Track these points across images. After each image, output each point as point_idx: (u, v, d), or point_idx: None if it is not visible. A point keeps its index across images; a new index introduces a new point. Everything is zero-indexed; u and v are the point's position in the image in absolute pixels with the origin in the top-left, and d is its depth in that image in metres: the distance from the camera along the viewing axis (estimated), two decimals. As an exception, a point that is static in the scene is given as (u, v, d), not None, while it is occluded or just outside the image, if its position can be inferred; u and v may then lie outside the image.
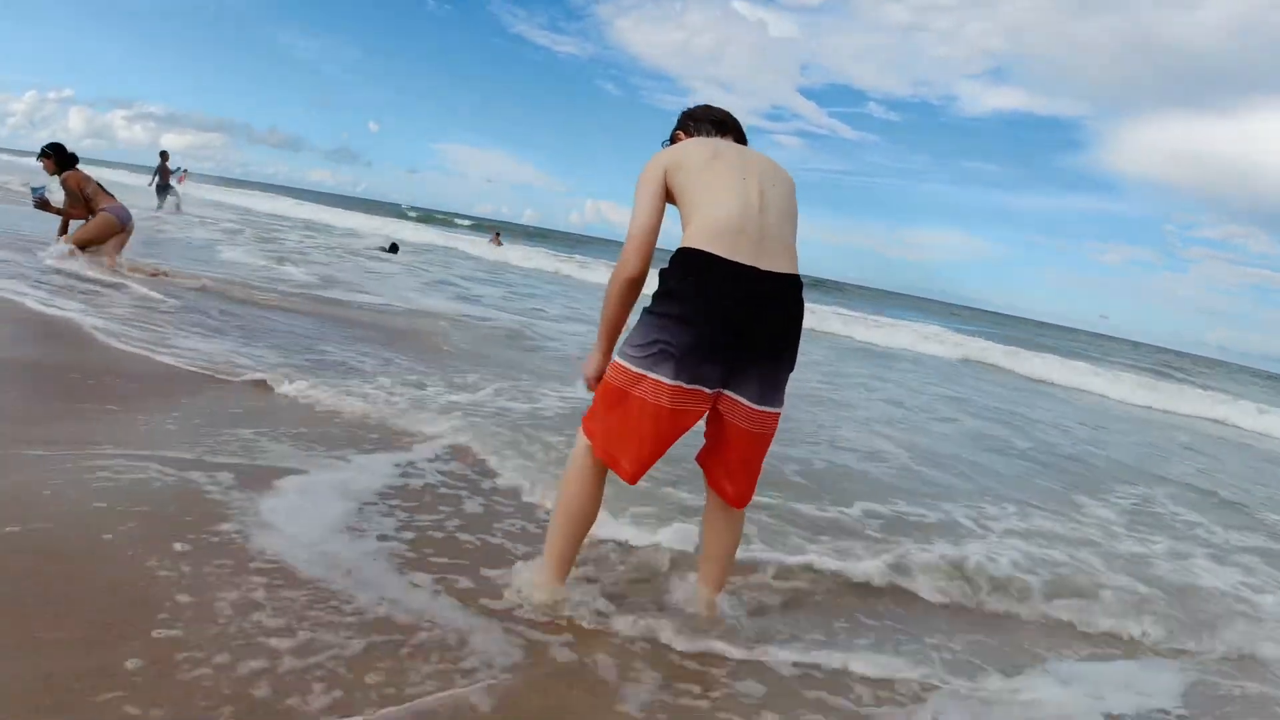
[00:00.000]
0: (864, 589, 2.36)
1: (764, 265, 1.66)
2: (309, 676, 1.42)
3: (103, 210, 5.76)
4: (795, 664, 1.82)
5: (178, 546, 1.80)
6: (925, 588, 2.42)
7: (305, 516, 2.11)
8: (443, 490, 2.53)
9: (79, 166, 5.83)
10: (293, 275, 8.02)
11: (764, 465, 1.88)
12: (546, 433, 3.28)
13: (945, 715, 1.71)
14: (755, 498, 1.99)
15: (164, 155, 15.12)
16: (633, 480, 1.73)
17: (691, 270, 1.66)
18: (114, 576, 1.64)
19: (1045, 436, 6.34)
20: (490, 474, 2.77)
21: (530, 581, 1.87)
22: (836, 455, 4.04)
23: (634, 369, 1.68)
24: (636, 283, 1.78)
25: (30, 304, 4.17)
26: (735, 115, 2.00)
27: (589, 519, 1.82)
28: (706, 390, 1.67)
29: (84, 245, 5.72)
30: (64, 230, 5.96)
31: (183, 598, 1.59)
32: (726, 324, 1.63)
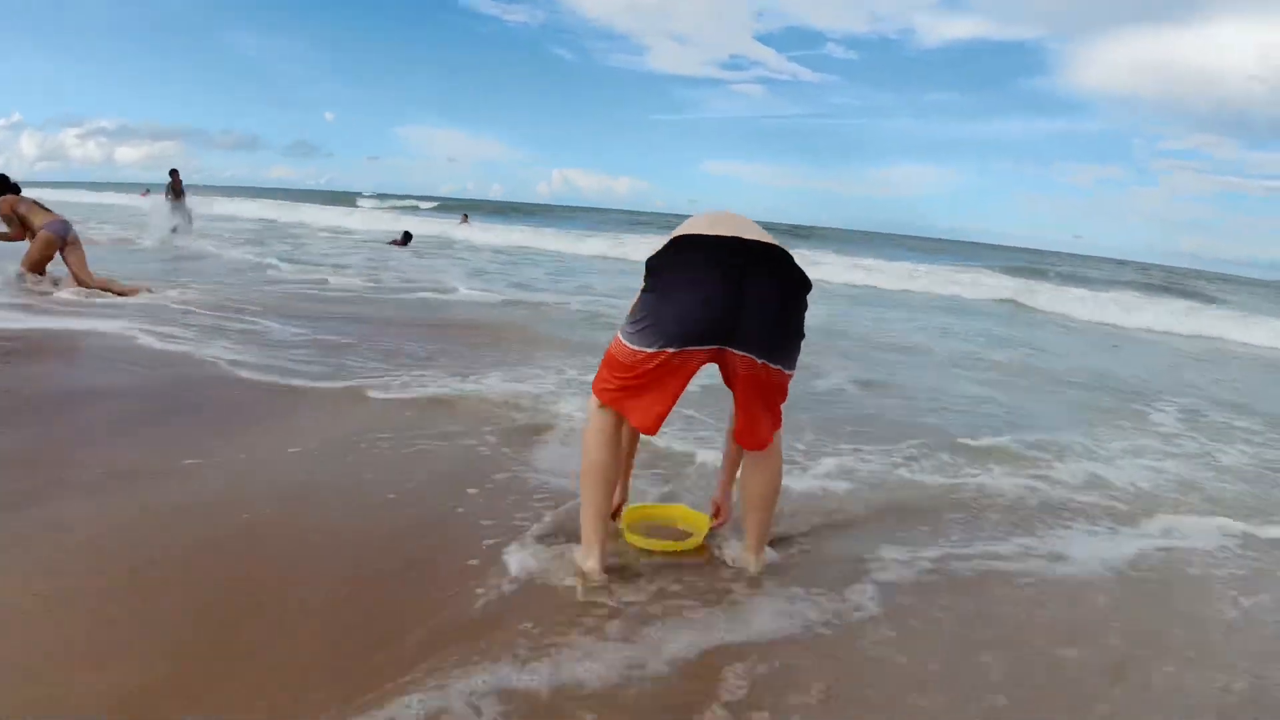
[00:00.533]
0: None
1: (747, 236, 1.77)
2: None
3: (41, 229, 5.96)
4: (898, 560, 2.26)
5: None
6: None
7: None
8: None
9: (23, 193, 6.07)
10: (343, 280, 8.31)
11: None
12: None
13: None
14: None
15: (174, 174, 14.80)
16: (650, 432, 1.89)
17: (676, 247, 1.80)
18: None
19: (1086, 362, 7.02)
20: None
21: (578, 556, 2.00)
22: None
23: (630, 345, 1.85)
24: None
25: (146, 340, 4.37)
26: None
27: (613, 476, 1.96)
28: (701, 349, 1.80)
29: (36, 268, 5.99)
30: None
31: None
32: (710, 292, 1.75)
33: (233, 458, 2.70)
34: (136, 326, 4.69)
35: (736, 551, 2.14)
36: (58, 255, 5.99)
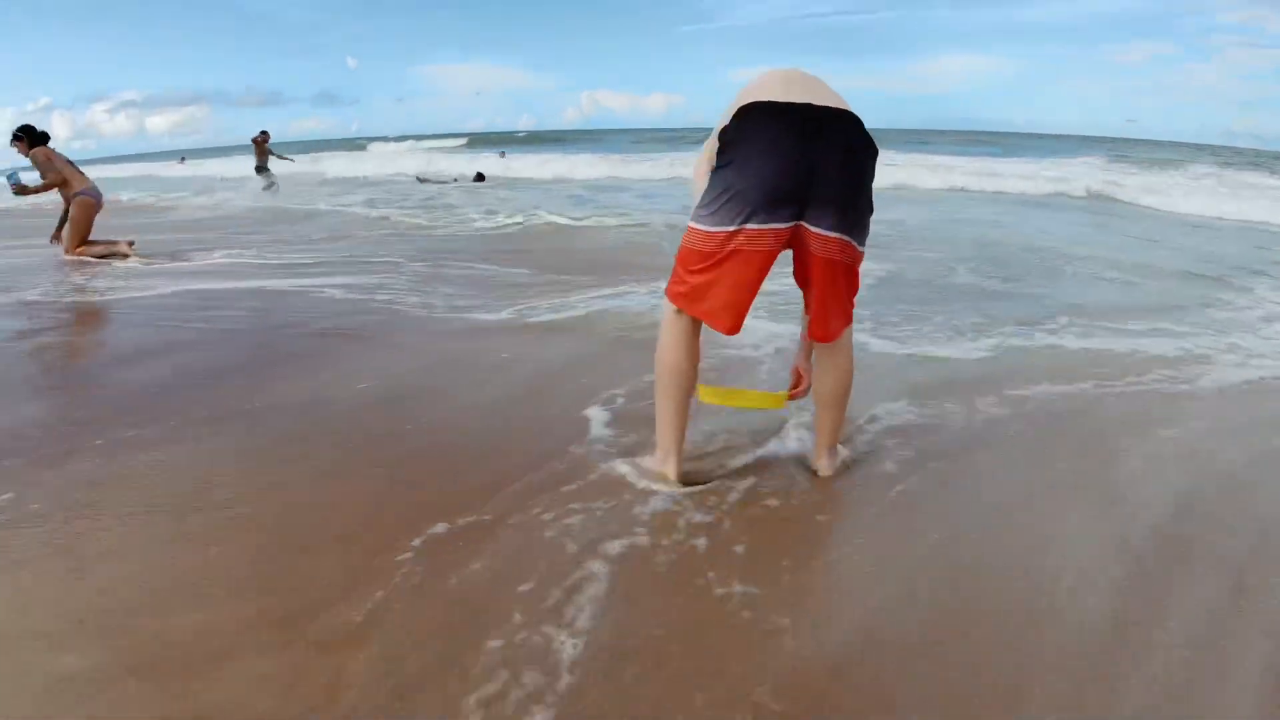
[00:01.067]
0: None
1: (818, 103, 1.71)
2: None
3: (78, 195, 6.01)
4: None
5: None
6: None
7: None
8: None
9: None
10: (489, 222, 8.68)
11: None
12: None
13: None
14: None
15: (264, 135, 14.85)
16: (731, 331, 1.82)
17: (747, 117, 1.72)
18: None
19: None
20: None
21: (654, 462, 2.07)
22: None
23: (705, 228, 1.77)
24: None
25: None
26: None
27: (690, 381, 1.95)
28: (780, 226, 1.73)
29: (85, 240, 6.05)
30: (59, 233, 6.26)
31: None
32: (786, 157, 1.68)
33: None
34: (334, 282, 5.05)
35: (818, 453, 2.13)
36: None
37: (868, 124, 1.76)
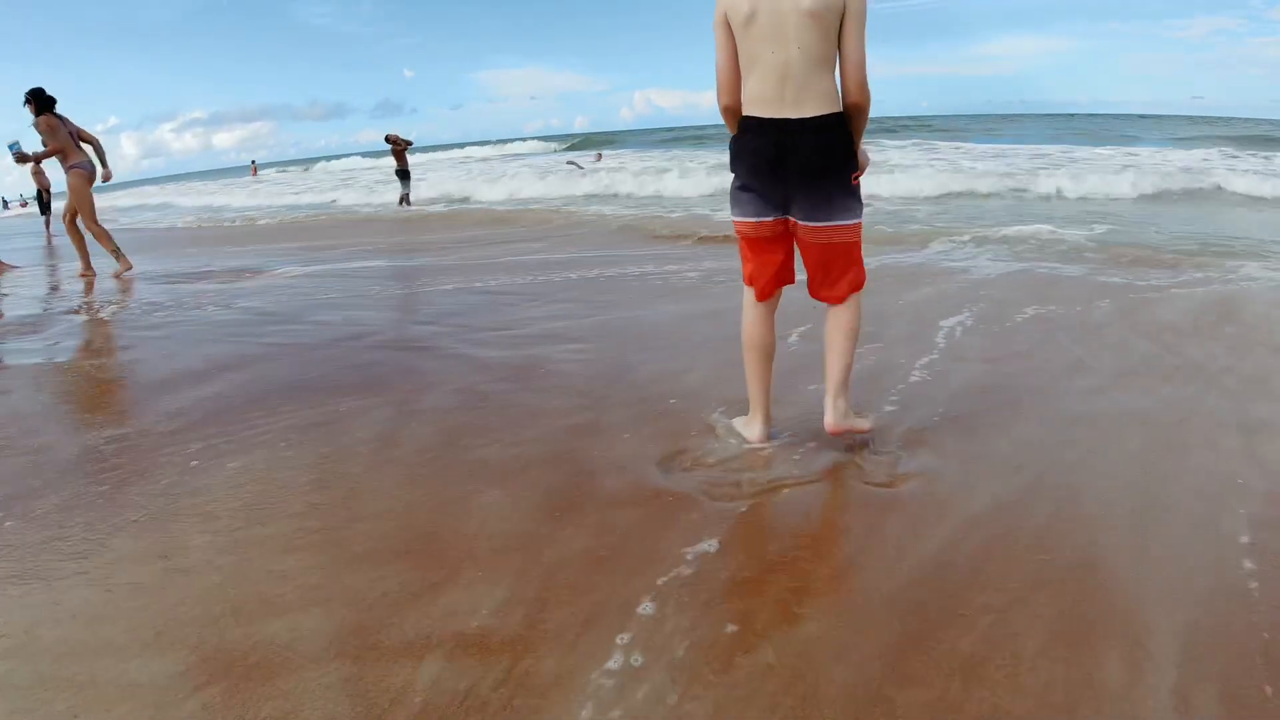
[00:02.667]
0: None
1: (793, 115, 2.03)
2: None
3: (73, 167, 6.18)
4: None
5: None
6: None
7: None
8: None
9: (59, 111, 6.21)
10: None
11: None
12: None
13: None
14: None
15: (395, 140, 13.66)
16: (766, 296, 2.26)
17: (741, 133, 2.14)
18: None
19: None
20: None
21: (740, 423, 2.40)
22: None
23: (733, 218, 2.24)
24: (730, 109, 2.14)
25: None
26: None
27: (769, 349, 2.30)
28: (771, 219, 2.15)
29: (85, 212, 6.25)
30: (46, 208, 6.49)
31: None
32: (766, 166, 2.09)
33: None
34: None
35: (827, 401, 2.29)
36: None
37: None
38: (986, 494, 2.00)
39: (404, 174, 13.77)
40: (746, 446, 2.31)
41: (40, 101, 6.09)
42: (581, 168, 17.15)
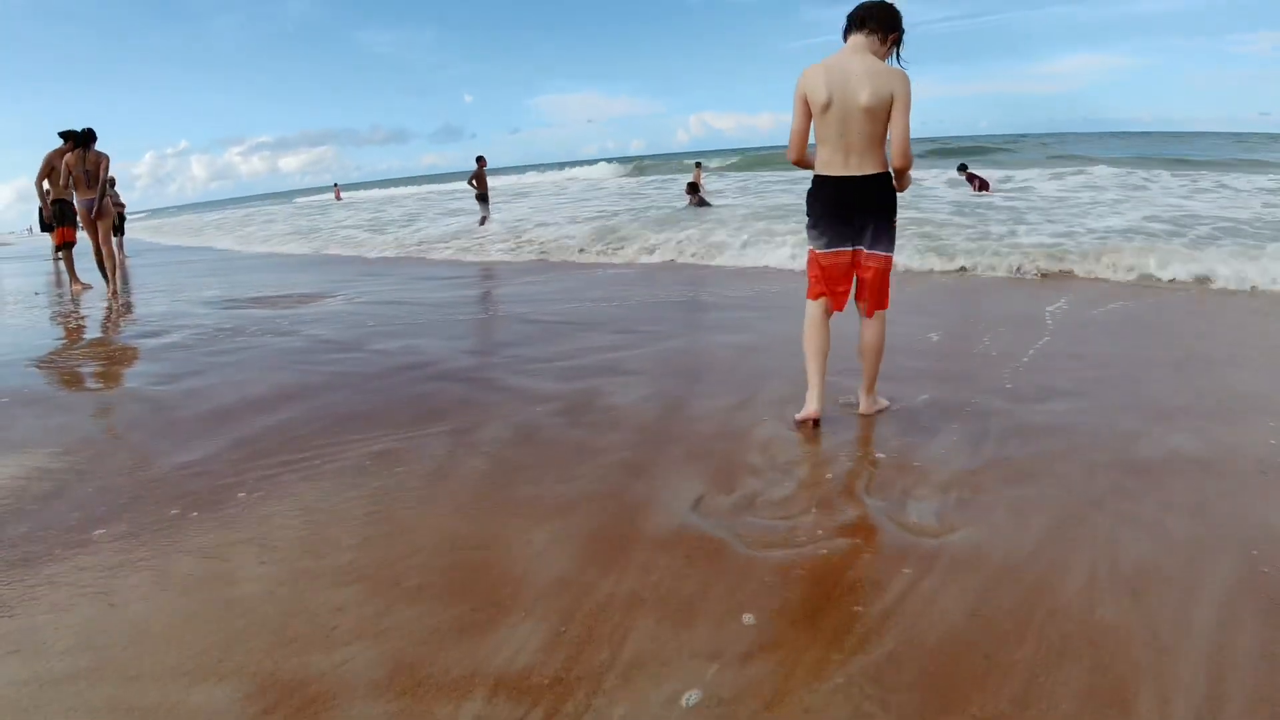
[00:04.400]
0: None
1: (853, 173, 2.75)
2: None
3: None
4: None
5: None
6: None
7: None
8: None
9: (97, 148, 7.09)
10: None
11: None
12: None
13: None
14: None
15: (481, 160, 14.01)
16: (840, 308, 2.90)
17: (815, 186, 2.85)
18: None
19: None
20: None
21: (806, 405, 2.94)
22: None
23: (811, 249, 2.90)
24: (797, 163, 2.88)
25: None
26: None
27: (826, 349, 2.90)
28: (846, 249, 2.83)
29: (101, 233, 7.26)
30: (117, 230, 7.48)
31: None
32: (835, 210, 2.80)
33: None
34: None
35: (862, 397, 3.03)
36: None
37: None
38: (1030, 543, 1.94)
39: (483, 198, 13.99)
40: (797, 429, 2.84)
41: (79, 138, 7.10)
42: (706, 201, 14.02)
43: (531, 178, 41.09)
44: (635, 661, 1.52)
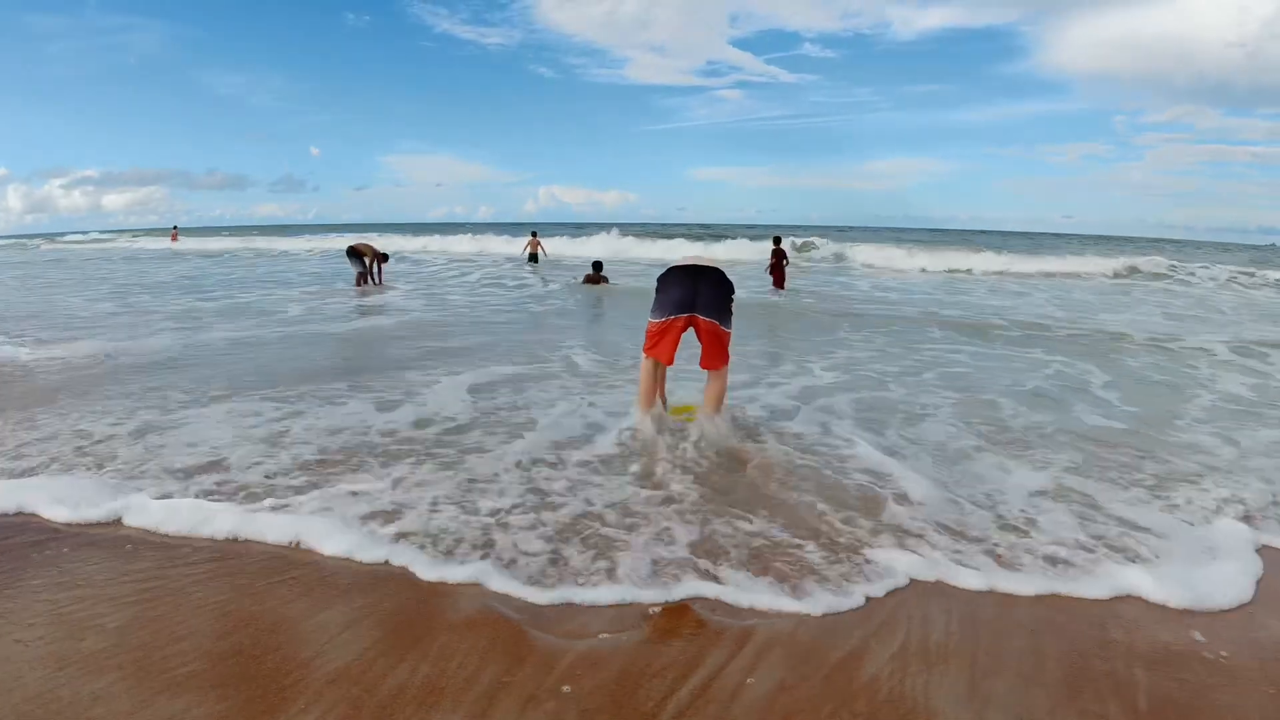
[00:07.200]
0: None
1: (700, 263, 3.79)
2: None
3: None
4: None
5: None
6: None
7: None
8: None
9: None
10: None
11: None
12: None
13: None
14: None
15: (534, 234, 19.35)
16: (669, 362, 3.75)
17: (667, 271, 3.80)
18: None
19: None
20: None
21: (636, 419, 3.86)
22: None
23: (652, 319, 3.77)
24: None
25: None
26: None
27: (654, 394, 3.85)
28: (682, 315, 3.68)
29: None
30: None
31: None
32: (679, 287, 3.69)
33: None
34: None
35: (707, 415, 3.82)
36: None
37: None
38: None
39: (534, 258, 18.31)
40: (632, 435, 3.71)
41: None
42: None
43: (378, 238, 35.16)
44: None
